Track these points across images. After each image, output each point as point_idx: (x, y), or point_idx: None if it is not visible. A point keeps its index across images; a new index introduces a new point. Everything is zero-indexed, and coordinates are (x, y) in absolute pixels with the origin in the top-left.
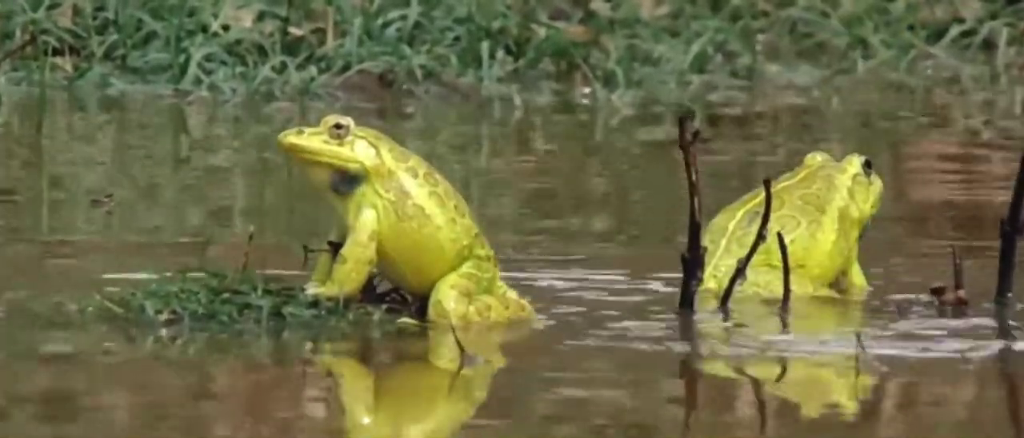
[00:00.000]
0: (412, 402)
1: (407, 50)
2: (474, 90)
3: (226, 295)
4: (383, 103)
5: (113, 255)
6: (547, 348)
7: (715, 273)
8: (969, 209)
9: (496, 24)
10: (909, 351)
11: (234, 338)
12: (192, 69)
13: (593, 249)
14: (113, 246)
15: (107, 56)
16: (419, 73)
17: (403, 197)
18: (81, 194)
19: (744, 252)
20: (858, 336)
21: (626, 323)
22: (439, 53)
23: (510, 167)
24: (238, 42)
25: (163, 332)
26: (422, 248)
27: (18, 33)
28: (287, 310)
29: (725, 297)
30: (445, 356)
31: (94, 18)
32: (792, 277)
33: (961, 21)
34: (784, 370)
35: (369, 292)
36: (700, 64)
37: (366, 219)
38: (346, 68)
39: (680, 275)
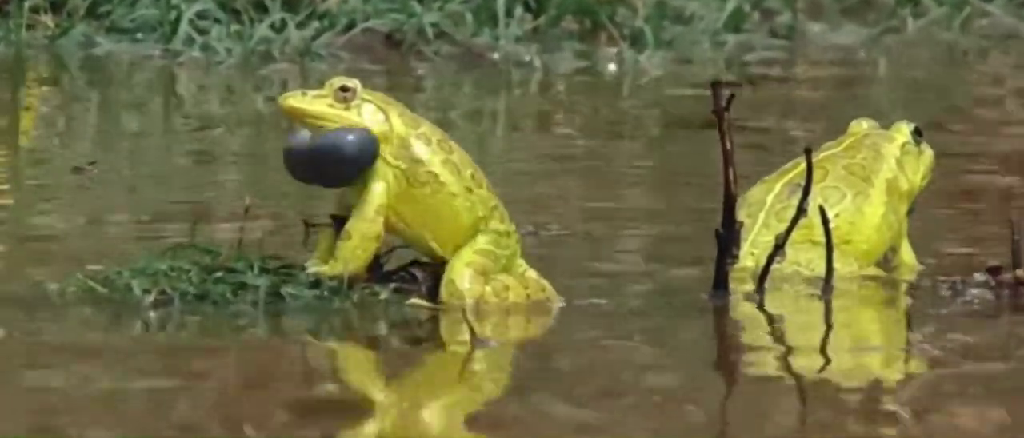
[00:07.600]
0: (419, 389)
1: (417, 7)
2: (490, 51)
3: (220, 274)
4: (390, 64)
5: (97, 229)
6: (565, 331)
7: (752, 250)
8: None
9: None
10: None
11: (228, 320)
12: (183, 27)
13: (622, 225)
14: (97, 219)
15: (91, 13)
16: (430, 32)
17: (415, 165)
18: (62, 162)
19: (783, 227)
20: (908, 321)
21: (653, 303)
22: (452, 10)
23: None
24: None
25: (151, 314)
26: (436, 216)
27: None
28: (286, 290)
29: (762, 276)
30: (456, 340)
31: None
32: (837, 254)
33: None
34: (827, 360)
35: (375, 270)
36: (736, 22)
37: (373, 192)
38: (351, 26)
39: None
